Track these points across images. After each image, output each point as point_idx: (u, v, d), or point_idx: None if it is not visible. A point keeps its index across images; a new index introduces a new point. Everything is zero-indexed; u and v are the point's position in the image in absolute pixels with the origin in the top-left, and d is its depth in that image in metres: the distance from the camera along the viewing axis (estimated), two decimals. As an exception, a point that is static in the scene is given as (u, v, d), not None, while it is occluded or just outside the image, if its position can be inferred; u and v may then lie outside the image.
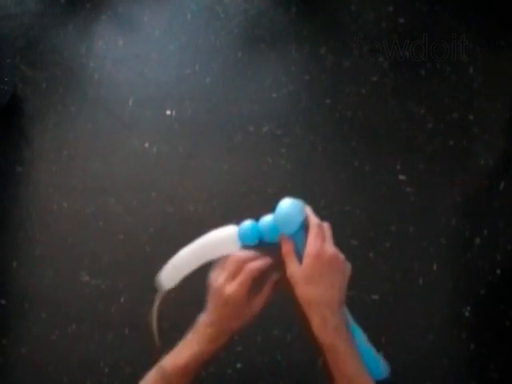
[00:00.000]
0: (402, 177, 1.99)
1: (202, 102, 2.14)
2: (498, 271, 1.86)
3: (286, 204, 0.79)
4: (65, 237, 1.94)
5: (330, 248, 0.74)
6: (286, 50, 2.21)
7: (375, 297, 1.82)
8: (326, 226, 0.79)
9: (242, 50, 2.22)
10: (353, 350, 0.72)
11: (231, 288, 0.78)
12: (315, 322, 0.72)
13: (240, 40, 2.25)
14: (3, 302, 1.86)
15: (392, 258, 1.87)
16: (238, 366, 1.76)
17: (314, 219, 0.78)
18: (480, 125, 2.06)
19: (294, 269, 0.74)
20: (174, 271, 0.88)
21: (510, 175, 1.99)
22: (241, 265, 0.79)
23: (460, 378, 1.76)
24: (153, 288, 1.76)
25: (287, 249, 0.76)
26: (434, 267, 1.87)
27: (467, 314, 1.81)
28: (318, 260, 0.72)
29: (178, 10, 2.30)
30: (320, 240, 0.74)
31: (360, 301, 1.79)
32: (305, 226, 0.78)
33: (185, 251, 0.86)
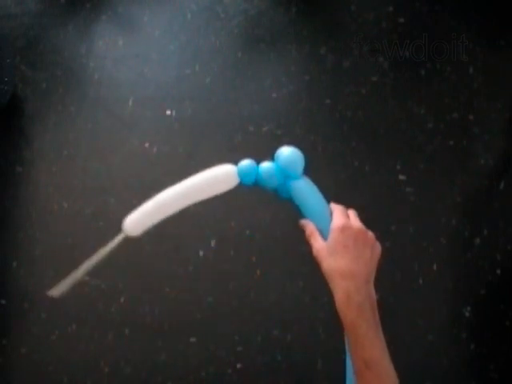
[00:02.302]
0: (402, 177, 1.99)
1: (202, 101, 2.14)
2: (498, 271, 1.87)
3: (288, 149, 0.80)
4: (65, 237, 1.94)
5: (356, 223, 0.75)
6: (286, 50, 2.21)
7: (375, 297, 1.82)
8: (351, 210, 0.79)
9: (242, 50, 2.22)
10: (376, 332, 0.68)
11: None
12: (338, 296, 0.69)
13: (240, 40, 2.25)
14: (3, 301, 1.86)
15: (392, 258, 1.87)
16: (238, 366, 1.77)
17: (336, 205, 0.79)
18: (480, 125, 2.06)
19: (318, 246, 0.73)
20: (147, 216, 0.85)
21: (510, 175, 1.99)
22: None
23: (460, 378, 1.76)
24: (153, 288, 1.77)
25: (310, 229, 0.76)
26: (434, 267, 1.87)
27: (467, 314, 1.81)
28: (342, 233, 0.72)
29: (178, 10, 2.30)
30: (344, 216, 0.75)
31: (360, 301, 1.79)
32: (329, 211, 0.79)
33: (161, 196, 0.83)
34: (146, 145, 2.07)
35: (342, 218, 0.74)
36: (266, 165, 0.81)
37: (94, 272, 2.04)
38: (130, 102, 2.14)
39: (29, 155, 2.07)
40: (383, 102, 2.11)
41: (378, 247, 0.76)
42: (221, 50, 2.22)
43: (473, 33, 2.19)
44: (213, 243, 1.91)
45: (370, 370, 0.67)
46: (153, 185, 2.01)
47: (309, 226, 0.77)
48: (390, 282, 1.84)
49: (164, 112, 2.12)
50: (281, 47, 2.22)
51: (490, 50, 2.17)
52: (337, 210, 0.77)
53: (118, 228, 1.91)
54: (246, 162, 0.83)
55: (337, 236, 0.72)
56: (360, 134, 2.06)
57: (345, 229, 0.72)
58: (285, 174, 0.79)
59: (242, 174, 0.83)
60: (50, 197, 2.00)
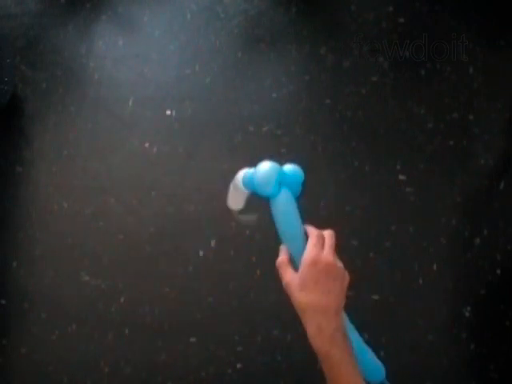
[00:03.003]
0: (402, 177, 1.99)
1: (202, 101, 2.14)
2: (498, 271, 1.87)
3: (260, 169, 0.81)
4: (65, 237, 1.94)
5: (328, 255, 0.74)
6: (286, 50, 2.21)
7: (375, 297, 1.82)
8: (328, 234, 0.78)
9: (242, 50, 2.22)
10: (350, 358, 0.71)
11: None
12: (311, 329, 0.71)
13: (240, 40, 2.25)
14: (3, 301, 1.87)
15: (392, 258, 1.87)
16: (238, 366, 1.77)
17: (313, 229, 0.78)
18: (480, 125, 2.06)
19: (288, 278, 0.74)
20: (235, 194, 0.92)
21: (510, 175, 1.99)
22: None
23: (460, 378, 1.76)
24: (153, 288, 1.77)
25: (282, 259, 0.76)
26: (434, 267, 1.87)
27: (467, 314, 1.81)
28: (314, 267, 0.72)
29: (178, 10, 2.30)
30: (318, 248, 0.74)
31: (360, 301, 1.80)
32: (305, 233, 0.78)
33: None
34: (146, 145, 2.07)
35: (315, 249, 0.73)
36: (247, 175, 0.82)
37: (94, 272, 2.05)
38: (130, 102, 2.14)
39: (29, 155, 2.07)
40: (383, 102, 2.11)
41: (347, 278, 0.76)
42: (221, 49, 2.22)
43: (473, 33, 2.19)
44: (213, 243, 1.91)
45: None
46: (153, 185, 2.03)
47: (281, 254, 0.77)
48: (390, 282, 1.84)
49: (164, 112, 2.12)
50: (281, 47, 2.22)
51: (490, 50, 2.17)
52: (312, 237, 0.75)
53: (118, 228, 1.93)
54: (245, 173, 0.84)
55: (308, 270, 0.72)
56: (360, 134, 2.06)
57: (316, 263, 0.72)
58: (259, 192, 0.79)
59: (243, 181, 0.84)
60: (50, 197, 2.00)
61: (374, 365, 0.85)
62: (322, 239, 0.76)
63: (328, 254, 0.74)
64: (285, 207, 0.78)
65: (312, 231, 0.77)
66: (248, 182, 0.81)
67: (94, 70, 2.19)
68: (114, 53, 2.23)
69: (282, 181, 0.78)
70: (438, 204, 1.95)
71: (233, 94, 2.15)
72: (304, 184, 0.80)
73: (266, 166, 0.79)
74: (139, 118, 2.11)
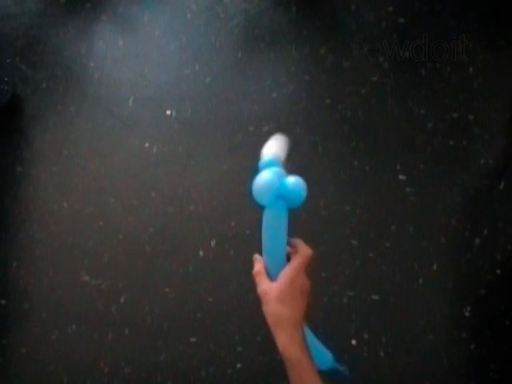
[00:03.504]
0: (402, 177, 1.99)
1: (202, 102, 2.14)
2: (498, 271, 1.87)
3: (261, 178, 0.80)
4: (65, 237, 1.94)
5: (304, 275, 0.81)
6: (286, 50, 2.21)
7: (375, 297, 1.82)
8: (311, 255, 0.83)
9: (242, 50, 2.22)
10: (313, 364, 0.78)
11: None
12: (284, 339, 0.78)
13: (240, 40, 2.25)
14: (3, 302, 1.86)
15: (392, 258, 1.87)
16: (238, 366, 1.76)
17: (302, 245, 0.83)
18: (480, 125, 2.06)
19: (266, 287, 0.80)
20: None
21: (510, 175, 2.00)
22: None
23: (460, 378, 1.76)
24: (153, 288, 1.77)
25: (259, 269, 0.82)
26: (434, 267, 1.87)
27: (467, 314, 1.81)
28: (294, 283, 0.79)
29: (178, 10, 2.30)
30: (303, 267, 0.80)
31: (360, 301, 1.80)
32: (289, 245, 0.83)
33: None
34: (146, 145, 2.07)
35: (300, 267, 0.80)
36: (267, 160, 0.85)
37: (94, 272, 2.05)
38: (130, 102, 2.14)
39: (29, 155, 2.07)
40: (383, 102, 2.11)
41: (309, 295, 0.82)
42: (221, 50, 2.22)
43: (473, 33, 2.19)
44: (213, 243, 1.91)
45: None
46: (153, 185, 2.03)
47: (258, 264, 0.83)
48: (390, 282, 1.84)
49: (164, 112, 2.12)
50: (281, 47, 2.22)
51: (490, 50, 2.17)
52: (301, 256, 0.81)
53: (118, 228, 1.93)
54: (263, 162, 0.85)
55: (288, 285, 0.79)
56: (360, 134, 2.06)
57: (296, 279, 0.79)
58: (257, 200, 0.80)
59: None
60: (50, 197, 2.00)
61: (325, 355, 0.91)
62: (307, 260, 0.81)
63: (305, 273, 0.81)
64: (274, 222, 0.81)
65: (301, 248, 0.82)
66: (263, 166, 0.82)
67: (94, 70, 2.19)
68: (114, 53, 2.23)
69: (280, 193, 0.79)
70: (437, 204, 1.95)
71: (233, 94, 2.15)
72: (305, 199, 0.80)
73: (265, 177, 0.79)
74: (139, 118, 2.11)
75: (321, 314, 1.78)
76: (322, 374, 0.78)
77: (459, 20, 2.21)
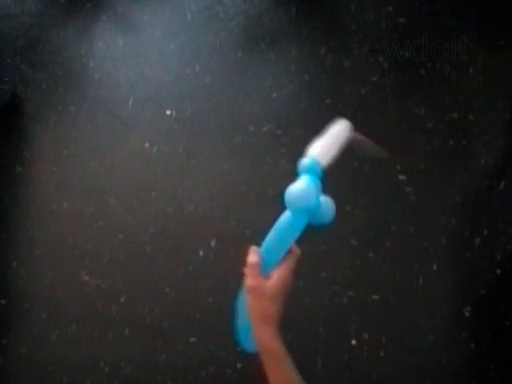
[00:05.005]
0: (402, 177, 1.99)
1: (202, 102, 2.14)
2: (498, 271, 1.87)
3: (297, 189, 0.78)
4: (65, 237, 1.94)
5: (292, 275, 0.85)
6: (286, 49, 2.21)
7: (375, 297, 1.82)
8: (300, 255, 0.86)
9: (242, 49, 2.22)
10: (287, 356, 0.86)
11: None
12: (269, 332, 0.85)
13: (240, 40, 2.25)
14: (3, 302, 1.87)
15: (392, 258, 1.87)
16: (238, 366, 1.77)
17: (297, 248, 0.85)
18: (480, 125, 2.06)
19: (259, 282, 0.81)
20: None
21: (510, 175, 1.99)
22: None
23: (460, 378, 1.76)
24: (153, 288, 1.77)
25: (254, 261, 0.82)
26: (434, 267, 1.87)
27: (467, 314, 1.81)
28: (284, 284, 0.82)
29: (178, 10, 2.30)
30: (294, 268, 0.83)
31: (360, 301, 1.80)
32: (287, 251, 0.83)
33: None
34: (146, 145, 2.07)
35: (292, 266, 0.83)
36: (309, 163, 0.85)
37: (94, 272, 2.05)
38: (130, 102, 2.14)
39: (29, 155, 2.07)
40: (383, 102, 2.11)
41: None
42: (221, 50, 2.22)
43: (473, 33, 2.19)
44: (213, 243, 1.91)
45: None
46: (153, 185, 2.03)
47: (253, 255, 0.83)
48: (390, 282, 1.84)
49: (164, 112, 2.12)
50: (281, 47, 2.22)
51: (490, 50, 2.17)
52: (293, 258, 0.84)
53: (118, 228, 1.94)
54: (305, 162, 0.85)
55: (281, 285, 0.82)
56: (360, 133, 2.06)
57: (287, 281, 0.83)
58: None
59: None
60: (50, 197, 2.00)
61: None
62: (298, 260, 0.84)
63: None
64: (290, 229, 0.81)
65: (294, 248, 0.84)
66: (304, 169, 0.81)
67: (94, 70, 2.19)
68: (113, 53, 2.23)
69: (310, 209, 0.79)
70: (438, 204, 1.95)
71: (233, 94, 2.15)
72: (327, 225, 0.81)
73: (304, 189, 0.78)
74: (139, 118, 2.11)
75: (321, 314, 1.78)
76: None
77: (459, 20, 2.21)
